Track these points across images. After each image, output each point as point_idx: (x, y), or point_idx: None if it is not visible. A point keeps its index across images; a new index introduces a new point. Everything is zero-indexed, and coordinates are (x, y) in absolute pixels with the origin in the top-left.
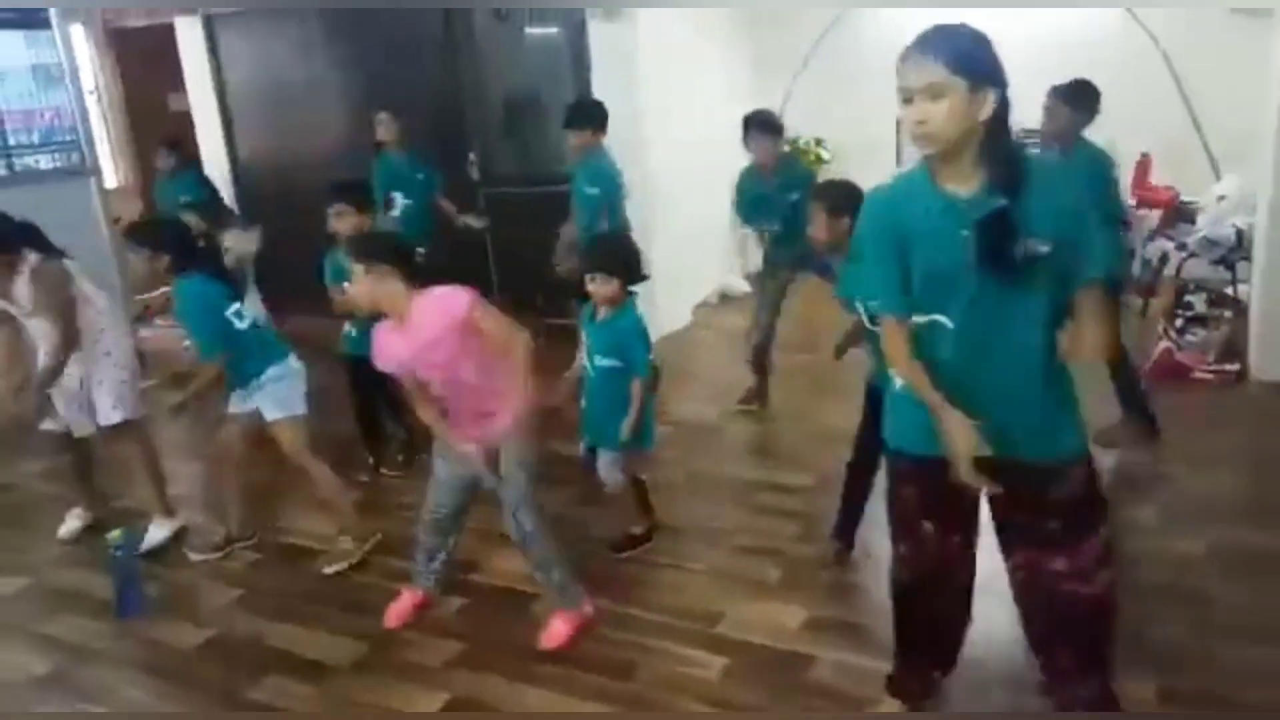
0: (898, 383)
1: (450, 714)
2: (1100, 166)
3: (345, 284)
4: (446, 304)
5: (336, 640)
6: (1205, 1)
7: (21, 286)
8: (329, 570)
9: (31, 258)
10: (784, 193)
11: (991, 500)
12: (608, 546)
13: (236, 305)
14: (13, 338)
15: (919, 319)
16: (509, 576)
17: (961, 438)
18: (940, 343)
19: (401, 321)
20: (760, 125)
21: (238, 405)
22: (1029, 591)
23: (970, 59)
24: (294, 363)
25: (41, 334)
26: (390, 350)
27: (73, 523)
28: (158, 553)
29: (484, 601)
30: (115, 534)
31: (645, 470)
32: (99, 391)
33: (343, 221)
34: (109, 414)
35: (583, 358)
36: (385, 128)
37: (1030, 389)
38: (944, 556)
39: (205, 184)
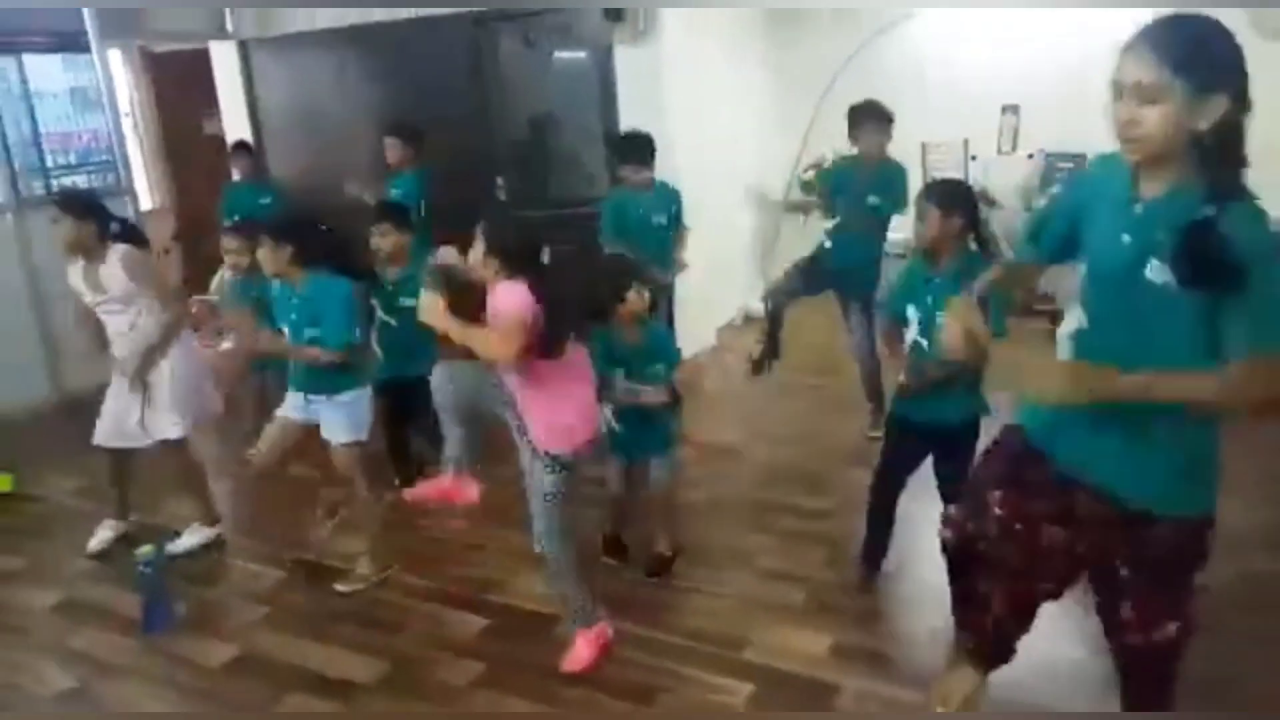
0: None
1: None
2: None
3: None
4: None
5: (360, 659)
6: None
7: (111, 270)
8: (343, 589)
9: (119, 246)
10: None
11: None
12: (643, 571)
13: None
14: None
15: (1074, 305)
16: (532, 598)
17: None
18: (1081, 339)
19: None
20: (871, 115)
21: (295, 411)
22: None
23: (1199, 59)
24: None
25: (144, 314)
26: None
27: (104, 534)
28: (185, 563)
29: (507, 622)
30: (144, 550)
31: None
32: (156, 404)
33: (386, 240)
34: (167, 429)
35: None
36: (394, 151)
37: (1159, 430)
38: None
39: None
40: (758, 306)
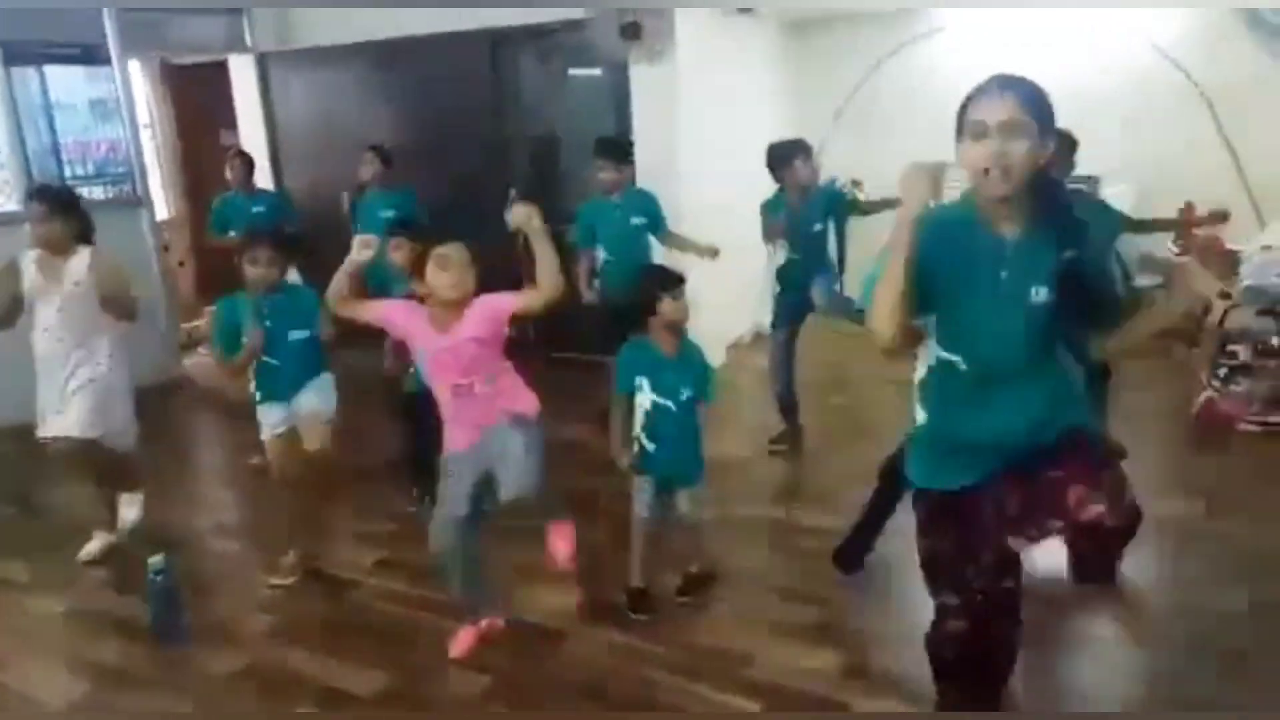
0: (919, 419)
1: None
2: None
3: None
4: (491, 301)
5: (367, 671)
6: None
7: (76, 267)
8: (274, 582)
9: (89, 246)
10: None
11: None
12: (674, 591)
13: None
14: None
15: (939, 354)
16: (539, 611)
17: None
18: (953, 384)
19: (446, 313)
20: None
21: (283, 423)
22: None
23: (1040, 104)
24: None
25: (88, 318)
26: (419, 333)
27: (94, 544)
28: (192, 573)
29: (514, 636)
30: (155, 560)
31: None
32: (80, 396)
33: (399, 253)
34: (84, 425)
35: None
36: (368, 167)
37: (1039, 408)
38: (988, 594)
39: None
40: (768, 322)
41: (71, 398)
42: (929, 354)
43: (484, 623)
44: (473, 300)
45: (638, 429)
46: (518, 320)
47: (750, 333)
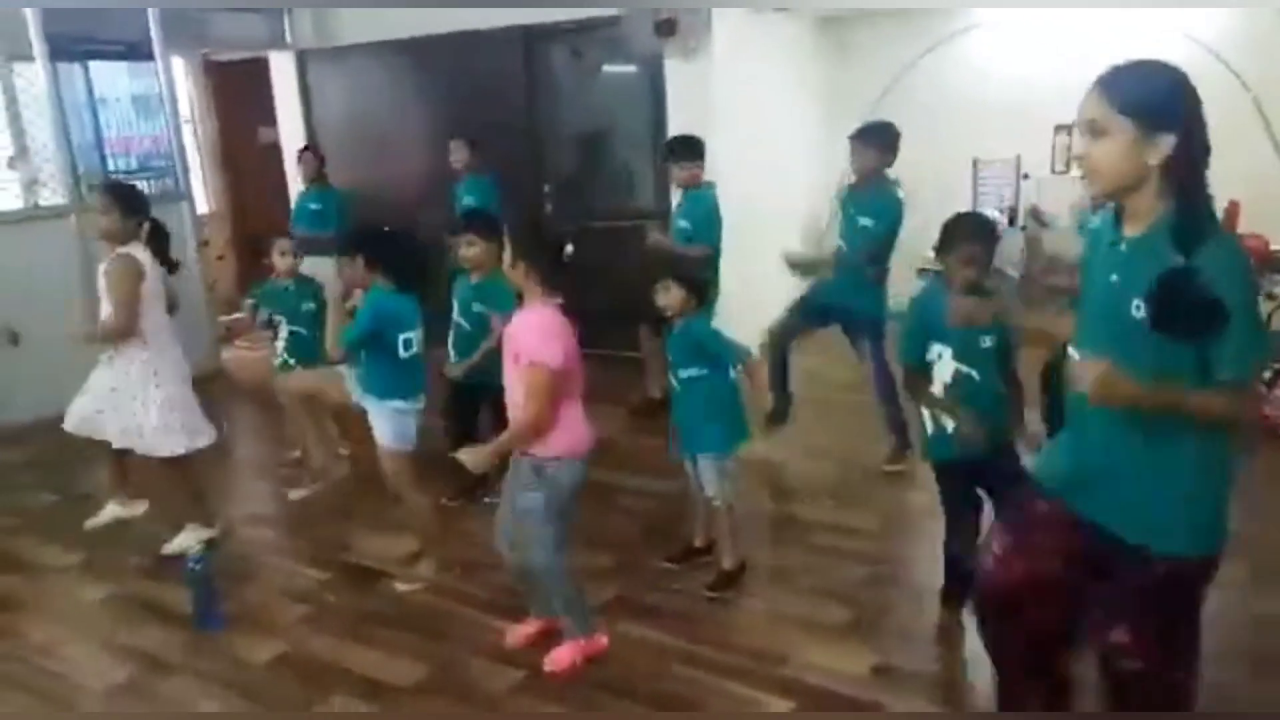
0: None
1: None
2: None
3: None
4: (538, 320)
5: (402, 662)
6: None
7: (105, 268)
8: (403, 589)
9: (122, 250)
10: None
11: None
12: (704, 585)
13: None
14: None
15: (1070, 352)
16: None
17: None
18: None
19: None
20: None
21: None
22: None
23: (1143, 97)
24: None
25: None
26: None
27: (105, 514)
28: (232, 562)
29: (547, 631)
30: (195, 547)
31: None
32: (143, 413)
33: (472, 250)
34: (158, 447)
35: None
36: (458, 154)
37: (1145, 472)
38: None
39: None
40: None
41: (99, 400)
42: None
43: (543, 620)
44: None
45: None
46: None
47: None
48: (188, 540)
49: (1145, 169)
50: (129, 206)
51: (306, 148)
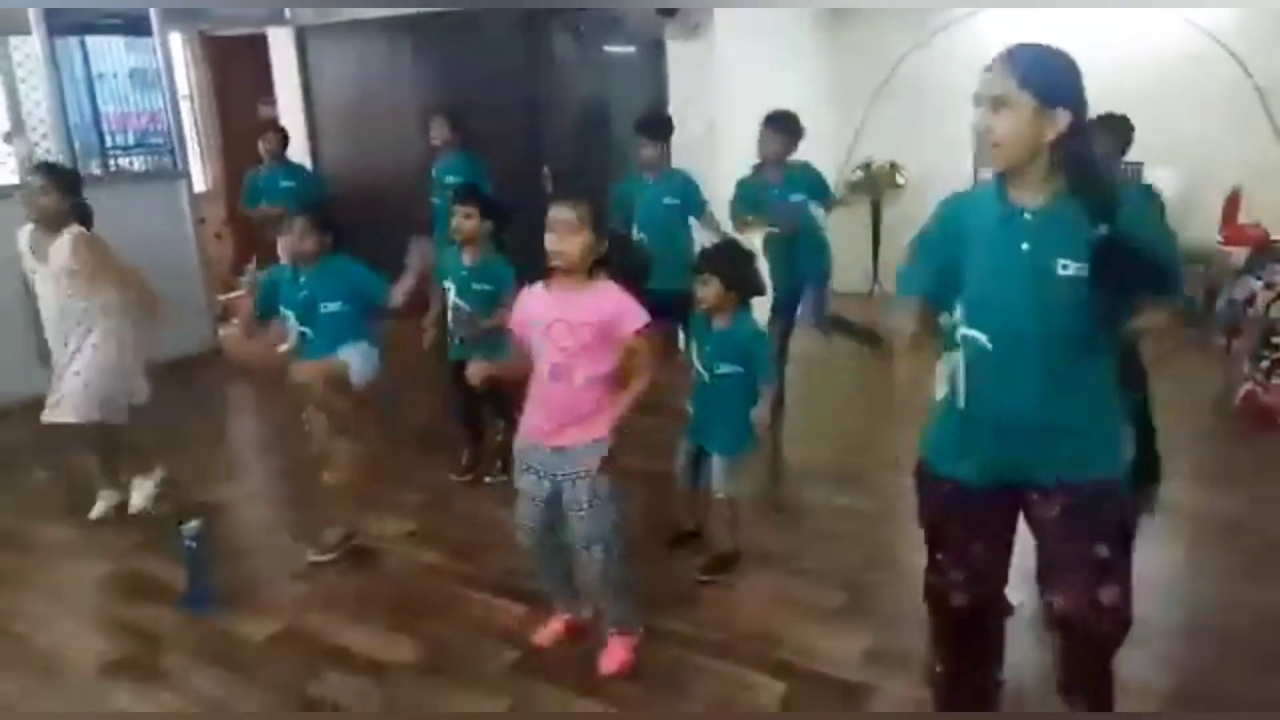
0: (940, 393)
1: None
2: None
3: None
4: (625, 303)
5: (399, 641)
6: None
7: (60, 247)
8: (314, 559)
9: (75, 227)
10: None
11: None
12: (696, 569)
13: None
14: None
15: (964, 331)
16: None
17: None
18: (978, 362)
19: (567, 288)
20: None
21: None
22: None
23: (1042, 77)
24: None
25: (77, 297)
26: (533, 309)
27: (102, 504)
28: (227, 539)
29: (546, 611)
30: (191, 525)
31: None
32: (72, 379)
33: (469, 222)
34: (76, 410)
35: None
36: (438, 131)
37: (1079, 412)
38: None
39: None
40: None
41: (63, 381)
42: (953, 331)
43: (568, 617)
44: (604, 284)
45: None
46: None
47: None
48: (142, 494)
49: (1041, 143)
50: (68, 186)
51: (274, 125)
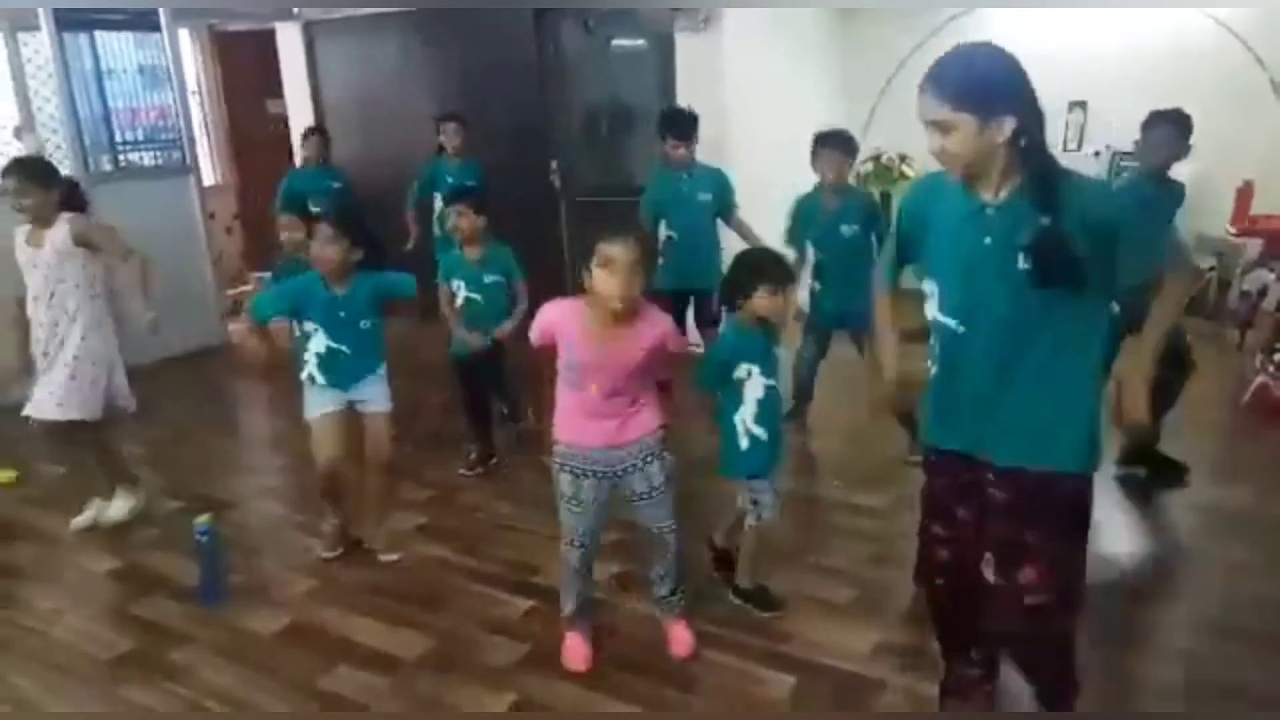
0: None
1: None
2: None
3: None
4: (667, 325)
5: (407, 635)
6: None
7: (56, 234)
8: (325, 555)
9: (67, 214)
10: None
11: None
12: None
13: None
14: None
15: (934, 316)
16: None
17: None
18: (949, 344)
19: (614, 324)
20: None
21: (336, 404)
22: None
23: (976, 93)
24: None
25: (66, 288)
26: (574, 340)
27: (88, 513)
28: (238, 534)
29: (551, 604)
30: (202, 519)
31: None
32: (54, 375)
33: (464, 220)
34: (57, 408)
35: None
36: (452, 137)
37: (1037, 402)
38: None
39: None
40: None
41: (46, 377)
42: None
43: (589, 631)
44: (645, 312)
45: (749, 420)
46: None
47: (795, 312)
48: (120, 508)
49: (994, 146)
50: (44, 181)
51: (317, 129)
